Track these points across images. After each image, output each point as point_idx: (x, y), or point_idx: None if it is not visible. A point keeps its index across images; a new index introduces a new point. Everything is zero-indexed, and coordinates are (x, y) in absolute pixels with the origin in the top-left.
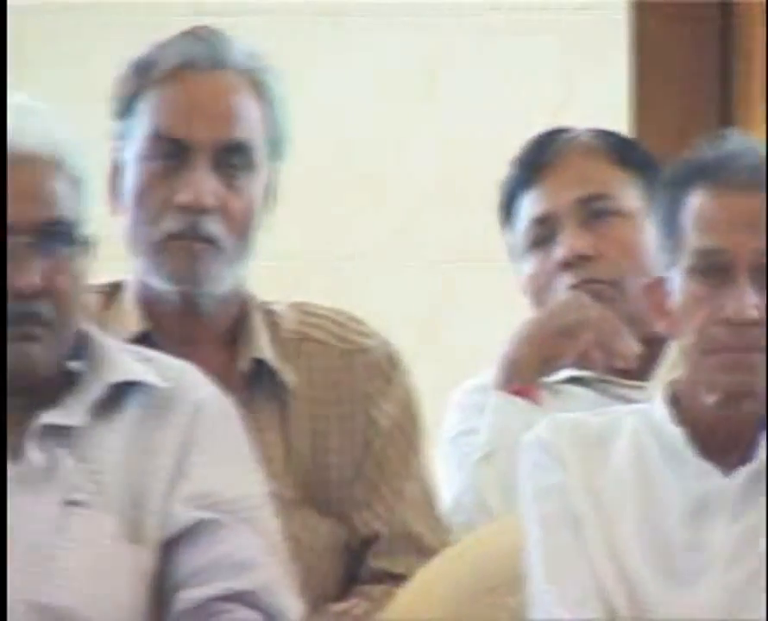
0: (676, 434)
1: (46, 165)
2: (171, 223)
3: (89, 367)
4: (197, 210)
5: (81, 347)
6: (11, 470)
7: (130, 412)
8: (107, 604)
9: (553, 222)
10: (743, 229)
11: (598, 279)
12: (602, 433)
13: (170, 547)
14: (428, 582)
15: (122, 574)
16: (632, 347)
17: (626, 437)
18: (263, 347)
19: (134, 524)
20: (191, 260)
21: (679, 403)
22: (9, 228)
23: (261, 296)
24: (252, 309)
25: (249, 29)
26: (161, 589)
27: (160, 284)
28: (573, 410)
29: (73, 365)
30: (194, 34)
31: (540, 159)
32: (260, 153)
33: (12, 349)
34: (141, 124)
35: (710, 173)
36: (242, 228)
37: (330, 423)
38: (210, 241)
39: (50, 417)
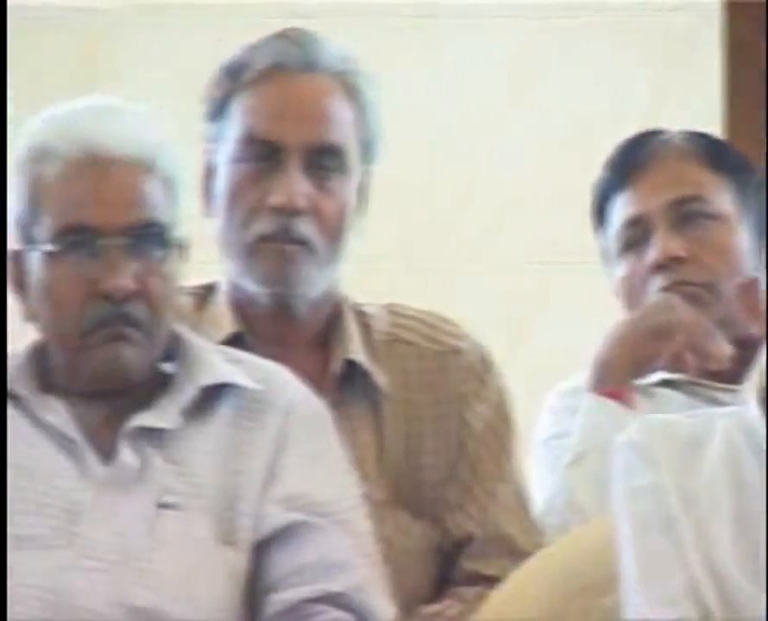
0: None
1: (138, 167)
2: (263, 225)
3: (181, 369)
4: (289, 212)
5: (173, 349)
6: (104, 472)
7: (222, 414)
8: (200, 606)
9: (646, 224)
10: None
11: (690, 282)
12: (695, 435)
13: (262, 549)
14: (521, 583)
15: (214, 576)
16: (724, 349)
17: (718, 440)
18: (356, 348)
19: (226, 526)
20: (283, 262)
21: None
22: (102, 231)
23: (352, 298)
24: (344, 311)
25: (340, 31)
26: (254, 591)
27: (252, 286)
28: (665, 413)
29: (166, 367)
30: (286, 36)
31: (633, 161)
32: (352, 155)
33: (105, 351)
34: (233, 126)
35: None
36: (334, 230)
37: (424, 424)
38: (302, 242)
39: (143, 419)
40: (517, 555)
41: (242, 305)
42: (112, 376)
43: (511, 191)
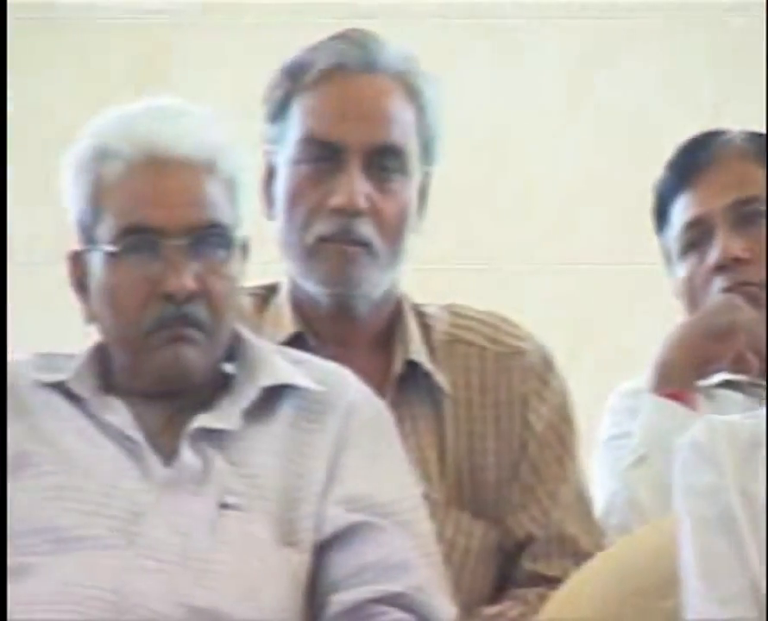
0: None
1: (199, 168)
2: (324, 226)
3: (242, 370)
4: (350, 213)
5: (234, 349)
6: (166, 473)
7: (282, 415)
8: (261, 607)
9: (707, 225)
10: None
11: (752, 282)
12: (756, 436)
13: (324, 549)
14: (581, 584)
15: (275, 577)
16: None
17: None
18: (417, 349)
19: (287, 527)
20: (343, 263)
21: None
22: (163, 232)
23: (413, 299)
24: (405, 311)
25: (401, 32)
26: (314, 592)
27: (313, 287)
28: (727, 414)
29: (227, 367)
30: (347, 37)
31: (694, 162)
32: (412, 156)
33: (166, 352)
34: (294, 128)
35: None
36: (395, 231)
37: (486, 425)
38: (362, 243)
39: (204, 420)
40: (578, 555)
41: (302, 306)
42: (174, 377)
43: (572, 192)
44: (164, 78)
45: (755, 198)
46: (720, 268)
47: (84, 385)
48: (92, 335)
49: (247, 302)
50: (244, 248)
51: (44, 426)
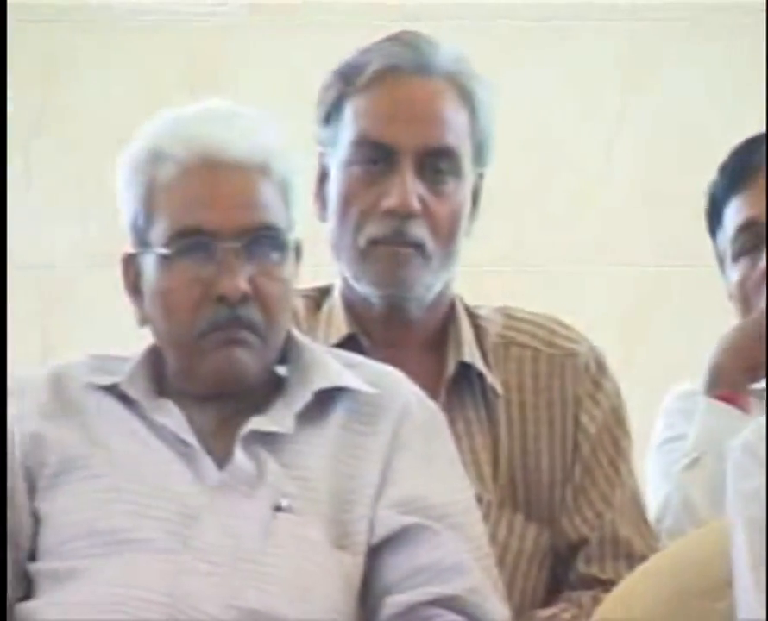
0: None
1: (252, 170)
2: (376, 228)
3: (295, 373)
4: (402, 215)
5: (288, 352)
6: (219, 476)
7: (335, 418)
8: (314, 609)
9: (760, 228)
10: None
11: None
12: None
13: (377, 552)
14: (635, 586)
15: (329, 579)
16: None
17: None
18: (470, 351)
19: (340, 530)
20: (396, 265)
21: None
22: (217, 234)
23: (467, 301)
24: (458, 313)
25: (452, 33)
26: (367, 594)
27: (365, 289)
28: None
29: (281, 370)
30: (399, 39)
31: (746, 165)
32: (465, 158)
33: (219, 355)
34: (347, 129)
35: None
36: (448, 233)
37: (539, 426)
38: (415, 245)
39: (258, 423)
40: (632, 558)
41: (355, 308)
42: (227, 379)
43: (625, 193)
44: (217, 80)
45: None
46: None
47: (138, 387)
48: (146, 339)
49: (300, 304)
50: (297, 251)
51: (97, 429)
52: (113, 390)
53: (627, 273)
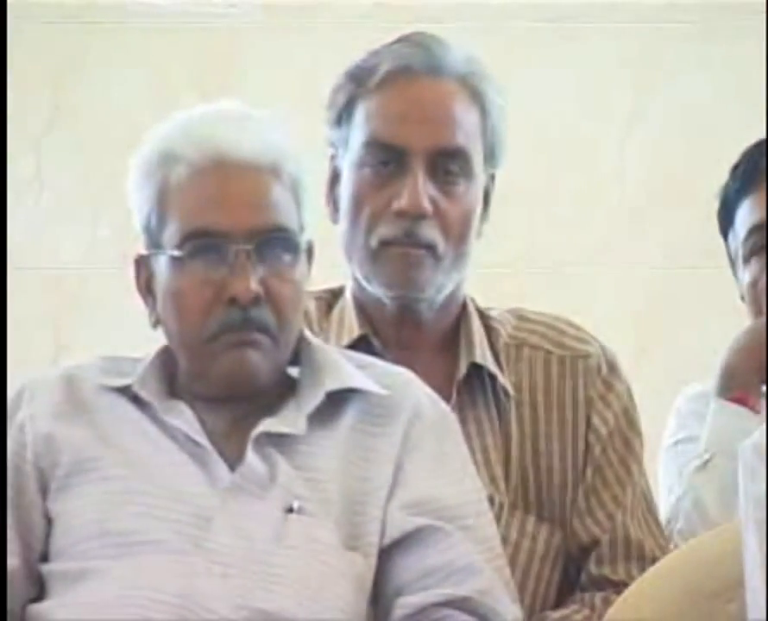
0: None
1: (264, 172)
2: (387, 230)
3: (307, 374)
4: (414, 216)
5: (300, 353)
6: (232, 477)
7: (346, 419)
8: (326, 610)
9: None
10: None
11: None
12: None
13: (388, 553)
14: (647, 587)
15: (341, 581)
16: None
17: None
18: (481, 352)
19: (352, 531)
20: (407, 266)
21: None
22: (228, 236)
23: (479, 302)
24: (470, 314)
25: (464, 35)
26: (379, 595)
27: (377, 290)
28: None
29: (292, 372)
30: (410, 40)
31: (758, 166)
32: (476, 159)
33: (231, 356)
34: (358, 131)
35: None
36: (459, 234)
37: (551, 428)
38: (426, 247)
39: (270, 425)
40: (644, 559)
41: (367, 309)
42: (239, 381)
43: (638, 194)
44: (228, 81)
45: None
46: None
47: (150, 389)
48: (159, 340)
49: (311, 306)
50: (309, 252)
51: (109, 430)
52: (125, 391)
53: (638, 274)
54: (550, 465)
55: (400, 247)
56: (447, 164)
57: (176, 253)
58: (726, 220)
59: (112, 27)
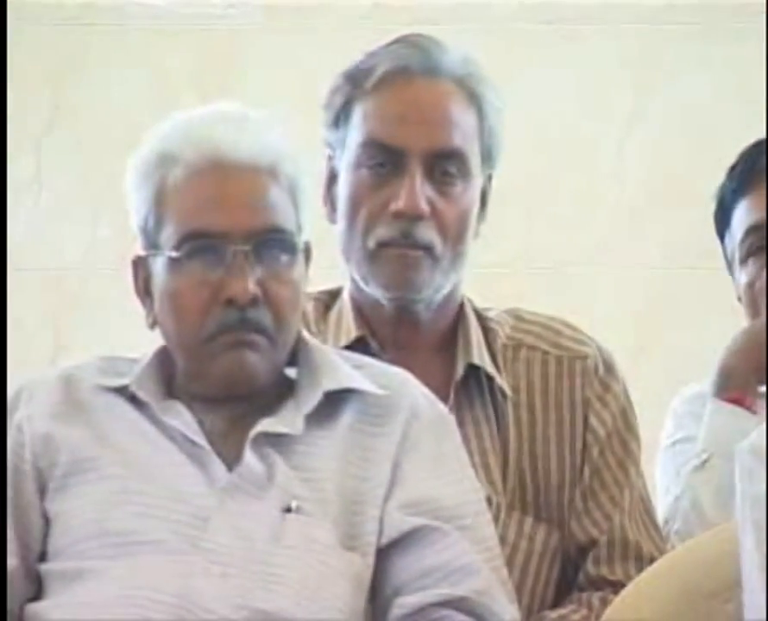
0: None
1: (262, 173)
2: (385, 231)
3: (305, 375)
4: (411, 217)
5: (298, 354)
6: (230, 478)
7: (344, 419)
8: (324, 610)
9: None
10: None
11: None
12: None
13: (386, 553)
14: (645, 587)
15: (338, 581)
16: None
17: None
18: (479, 353)
19: (350, 531)
20: (405, 267)
21: None
22: (226, 237)
23: (476, 303)
24: (467, 315)
25: (463, 36)
26: (377, 595)
27: (374, 291)
28: None
29: (290, 372)
30: (407, 41)
31: (754, 167)
32: (473, 160)
33: (229, 357)
34: (355, 132)
35: None
36: (456, 235)
37: (548, 428)
38: (424, 248)
39: (268, 425)
40: (641, 560)
41: (364, 310)
42: (237, 382)
43: (638, 194)
44: (228, 82)
45: None
46: None
47: (147, 389)
48: (157, 340)
49: (309, 307)
50: (307, 253)
51: (106, 430)
52: (123, 391)
53: (637, 275)
54: (547, 466)
55: (398, 248)
56: (444, 165)
57: (174, 254)
58: (722, 221)
59: (112, 27)
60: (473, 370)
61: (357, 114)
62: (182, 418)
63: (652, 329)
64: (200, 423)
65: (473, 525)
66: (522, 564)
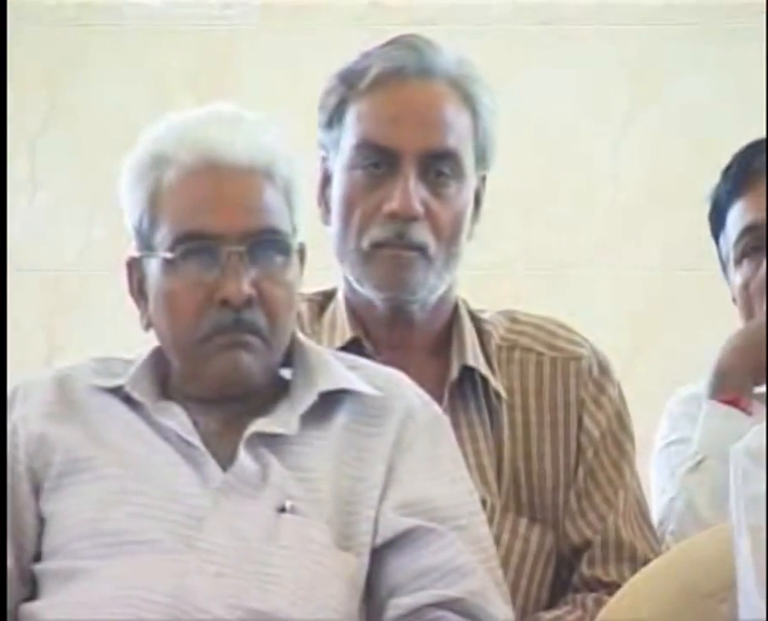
0: None
1: (257, 174)
2: (379, 232)
3: (300, 375)
4: (405, 218)
5: (292, 355)
6: (224, 478)
7: (338, 420)
8: (319, 610)
9: (763, 231)
10: None
11: None
12: None
13: (381, 554)
14: (639, 588)
15: (333, 581)
16: None
17: None
18: (473, 354)
19: (344, 531)
20: (399, 268)
21: None
22: (220, 238)
23: (471, 304)
24: (461, 316)
25: (459, 37)
26: (372, 595)
27: (368, 292)
28: None
29: (285, 372)
30: (401, 42)
31: (749, 168)
32: (467, 161)
33: (224, 358)
34: (349, 133)
35: None
36: (450, 236)
37: (543, 430)
38: (418, 248)
39: (263, 425)
40: (635, 561)
41: (359, 311)
42: (231, 383)
43: (634, 195)
44: (224, 83)
45: None
46: None
47: (142, 389)
48: (152, 341)
49: (303, 308)
50: (301, 254)
51: (101, 430)
52: (117, 392)
53: (635, 276)
54: (542, 467)
55: (392, 249)
56: (438, 166)
57: (168, 255)
58: (717, 222)
59: (108, 28)
60: (467, 371)
61: (351, 115)
62: (177, 419)
63: (649, 329)
64: (195, 423)
65: (468, 526)
66: (516, 565)
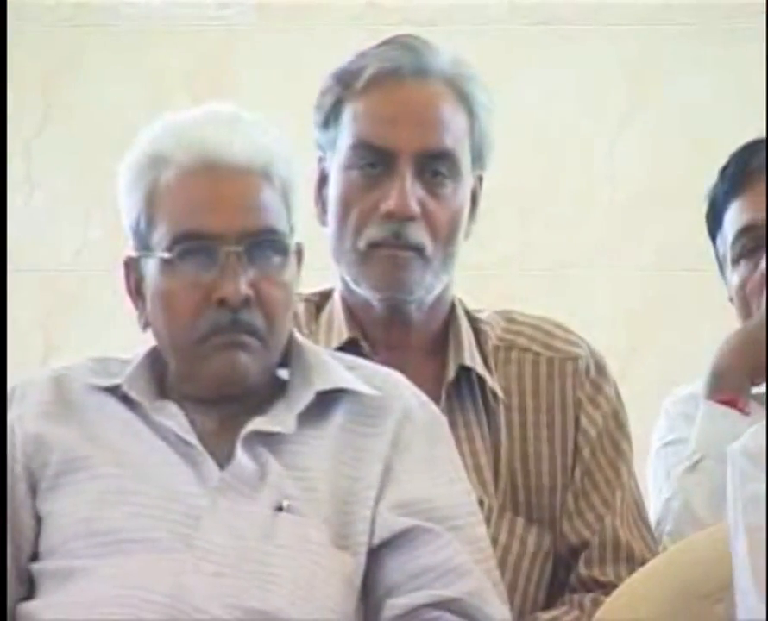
0: None
1: (254, 174)
2: (375, 232)
3: (297, 375)
4: (401, 218)
5: (290, 354)
6: (222, 477)
7: (336, 419)
8: (316, 609)
9: (760, 231)
10: None
11: None
12: None
13: (378, 553)
14: (637, 588)
15: (330, 580)
16: None
17: None
18: (470, 354)
19: (341, 530)
20: (395, 268)
21: None
22: (218, 238)
23: (468, 304)
24: (458, 316)
25: (455, 37)
26: (369, 595)
27: (365, 292)
28: None
29: (282, 372)
30: (397, 42)
31: (746, 168)
32: (464, 161)
33: (221, 358)
34: (345, 133)
35: None
36: (447, 235)
37: (540, 430)
38: (414, 248)
39: (260, 424)
40: (633, 561)
41: (356, 311)
42: (229, 383)
43: (632, 195)
44: (222, 82)
45: None
46: None
47: (139, 389)
48: (149, 341)
49: (300, 308)
50: (299, 254)
51: (98, 430)
52: (115, 391)
53: (633, 276)
54: (539, 467)
55: (388, 249)
56: (435, 166)
57: (166, 255)
58: (714, 222)
59: (105, 28)
60: (464, 371)
61: (347, 115)
62: (175, 418)
63: (647, 329)
64: (192, 422)
65: (465, 526)
66: (514, 565)
